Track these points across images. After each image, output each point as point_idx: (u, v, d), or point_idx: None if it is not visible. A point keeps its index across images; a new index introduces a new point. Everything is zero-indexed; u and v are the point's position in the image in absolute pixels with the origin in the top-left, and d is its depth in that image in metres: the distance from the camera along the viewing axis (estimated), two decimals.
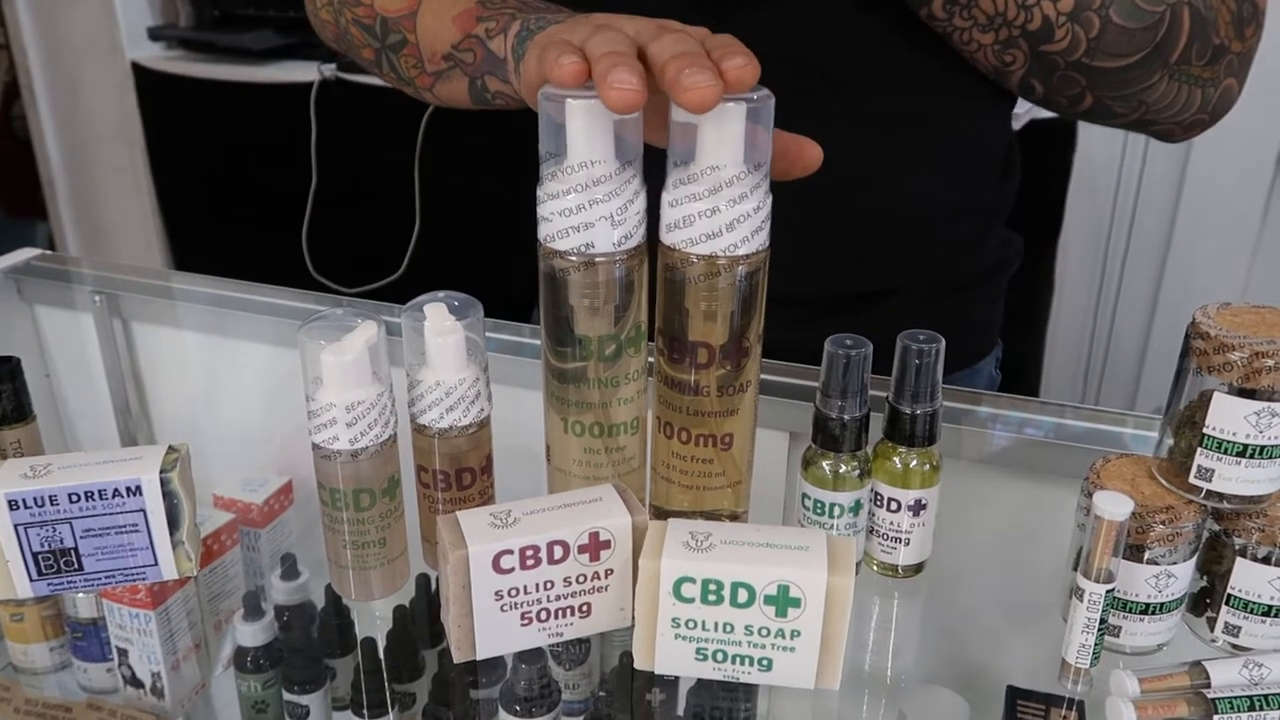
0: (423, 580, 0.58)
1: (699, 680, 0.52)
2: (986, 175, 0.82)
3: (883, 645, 0.57)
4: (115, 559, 0.53)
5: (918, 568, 0.56)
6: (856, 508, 0.54)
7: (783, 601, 0.46)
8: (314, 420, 0.51)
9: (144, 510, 0.52)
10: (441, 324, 0.51)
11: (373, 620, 0.59)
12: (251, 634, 0.58)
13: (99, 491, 0.51)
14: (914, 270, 0.80)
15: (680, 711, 0.53)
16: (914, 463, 0.53)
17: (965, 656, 0.57)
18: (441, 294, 0.53)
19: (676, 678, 0.52)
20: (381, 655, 0.59)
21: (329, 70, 1.86)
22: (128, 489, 0.52)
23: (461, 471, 0.53)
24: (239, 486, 0.73)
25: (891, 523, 0.55)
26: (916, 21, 0.71)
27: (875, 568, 0.58)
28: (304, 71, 1.89)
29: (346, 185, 1.93)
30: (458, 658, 0.50)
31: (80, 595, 0.58)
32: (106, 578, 0.54)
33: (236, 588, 0.67)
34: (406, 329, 0.52)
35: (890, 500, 0.54)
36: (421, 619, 0.59)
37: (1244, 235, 1.68)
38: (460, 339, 0.51)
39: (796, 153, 0.51)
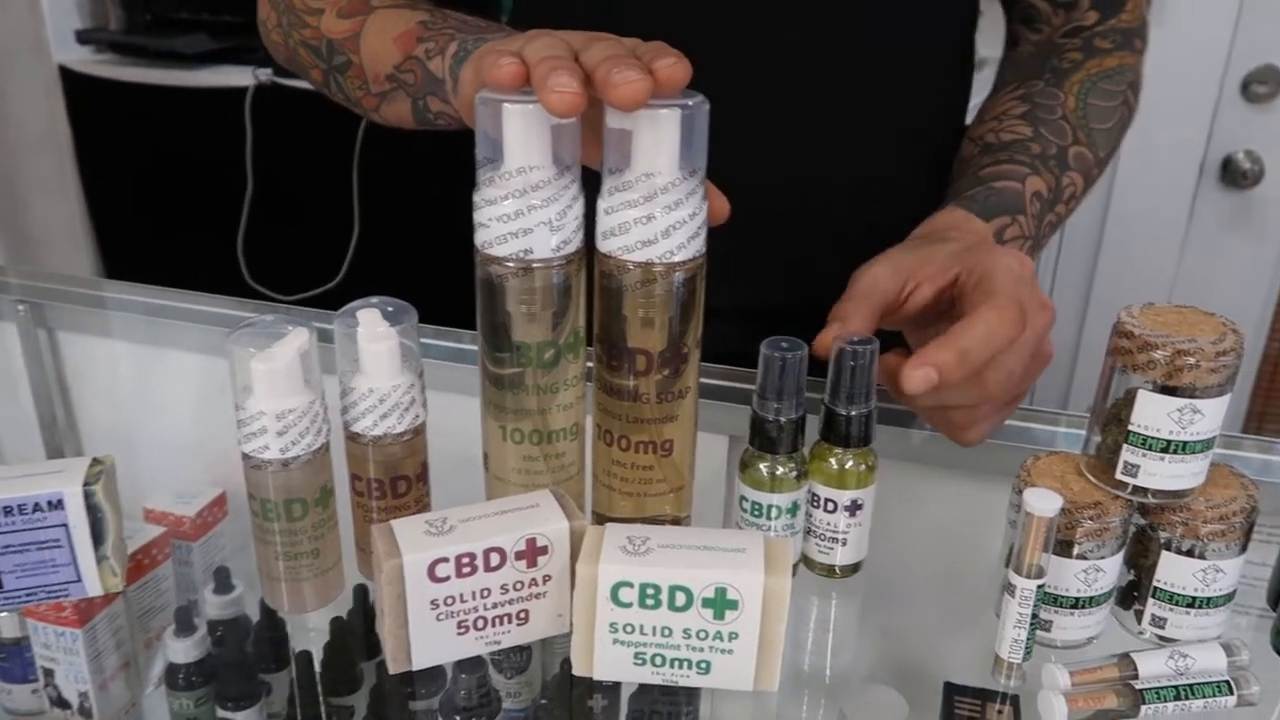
0: (360, 591, 0.57)
1: (640, 685, 0.52)
2: (937, 186, 0.83)
3: (822, 645, 0.58)
4: (37, 576, 0.52)
5: (855, 568, 0.57)
6: (794, 509, 0.54)
7: (720, 604, 0.46)
8: (243, 429, 0.50)
9: (66, 525, 0.51)
10: (375, 330, 0.50)
11: (309, 633, 0.58)
12: (183, 650, 0.57)
13: (18, 506, 0.50)
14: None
15: (623, 717, 0.53)
16: (850, 463, 0.54)
17: (904, 654, 0.58)
18: (375, 299, 0.52)
19: (618, 683, 0.52)
20: (318, 668, 0.58)
21: (264, 75, 1.83)
22: (49, 503, 0.50)
23: (396, 480, 0.53)
24: (171, 499, 0.72)
25: (828, 523, 0.55)
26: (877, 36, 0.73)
27: (814, 570, 0.58)
28: (239, 76, 1.86)
29: (283, 192, 1.90)
30: (393, 669, 0.49)
31: (1, 614, 0.56)
32: (28, 595, 0.52)
33: (168, 603, 0.66)
34: (339, 335, 0.51)
35: (827, 501, 0.55)
36: (359, 631, 0.58)
37: (1169, 241, 1.73)
38: (394, 345, 0.50)
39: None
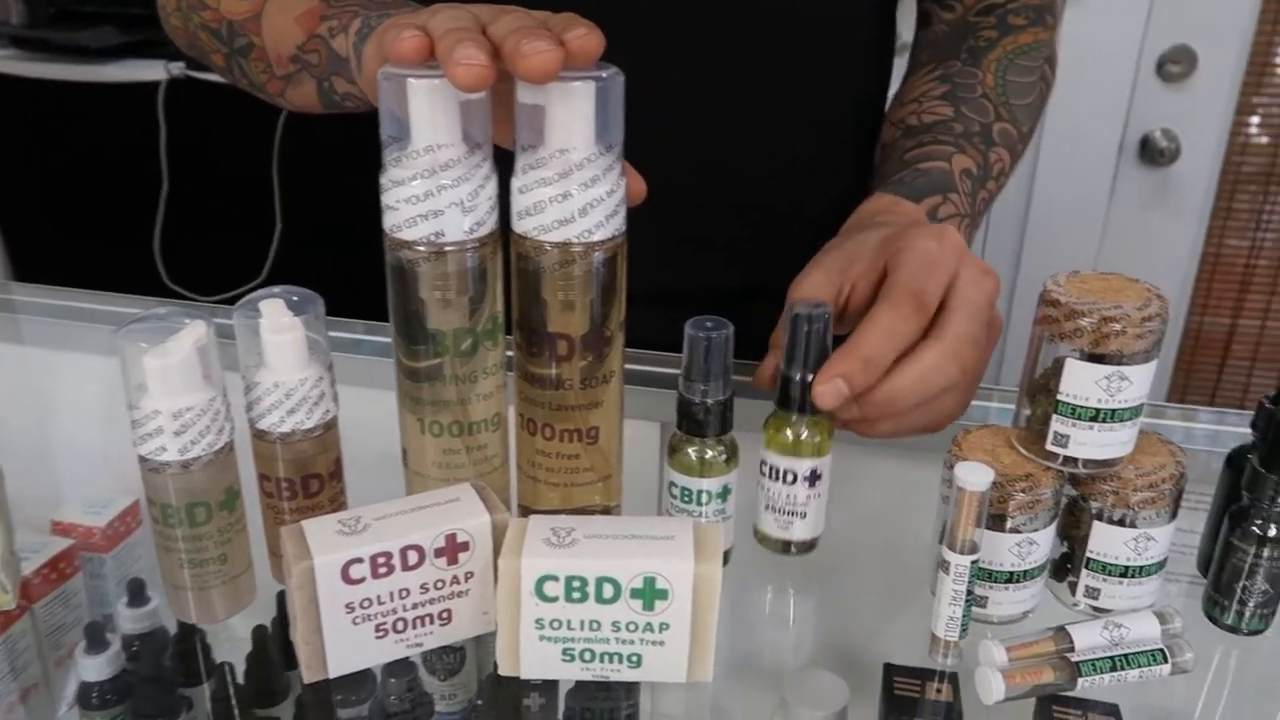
0: (282, 597, 0.55)
1: (578, 681, 0.50)
2: (865, 168, 0.82)
3: (760, 631, 0.57)
4: None
5: (811, 544, 0.55)
6: (724, 494, 0.53)
7: (649, 594, 0.44)
8: (138, 430, 0.47)
9: None
10: (278, 321, 0.47)
11: (232, 643, 0.55)
12: (95, 667, 0.54)
13: None
14: (787, 263, 0.80)
15: (560, 715, 0.51)
16: (806, 433, 0.52)
17: (843, 637, 0.57)
18: (278, 289, 0.49)
19: (555, 680, 0.50)
20: (241, 680, 0.55)
21: (177, 69, 1.78)
22: None
23: (308, 478, 0.50)
24: (80, 510, 0.68)
25: (788, 496, 0.53)
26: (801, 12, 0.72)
27: (770, 547, 0.56)
28: (150, 70, 1.79)
29: (201, 189, 1.85)
30: (308, 678, 0.47)
31: None
32: None
33: (81, 619, 0.62)
34: (240, 328, 0.48)
35: (786, 472, 0.53)
36: (283, 639, 0.55)
37: (1092, 220, 1.76)
38: (300, 336, 0.48)
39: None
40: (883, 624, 0.57)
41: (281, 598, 0.55)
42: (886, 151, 0.73)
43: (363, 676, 0.51)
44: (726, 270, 0.80)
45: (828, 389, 0.50)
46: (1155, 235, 1.75)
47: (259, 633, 0.55)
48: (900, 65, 0.82)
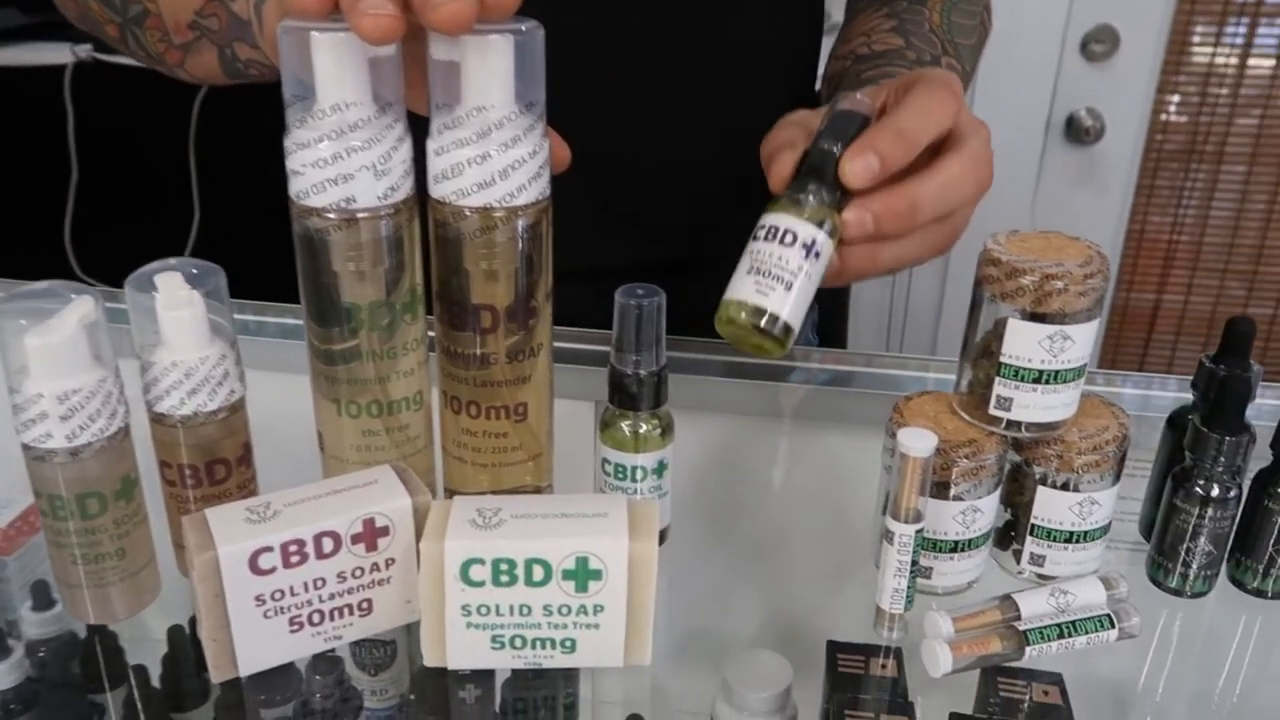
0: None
1: (514, 670, 0.48)
2: None
3: (700, 611, 0.55)
4: None
5: (787, 330, 0.47)
6: (660, 469, 0.51)
7: (582, 575, 0.42)
8: (21, 415, 0.43)
9: None
10: (175, 295, 0.44)
11: (148, 645, 0.51)
12: None
13: None
14: (721, 238, 0.79)
15: (498, 705, 0.49)
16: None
17: (786, 615, 0.55)
18: (174, 261, 0.46)
19: (491, 670, 0.48)
20: (157, 683, 0.51)
21: (84, 51, 1.70)
22: None
23: (213, 464, 0.47)
24: None
25: (779, 258, 0.47)
26: None
27: (735, 323, 0.47)
28: (55, 53, 1.72)
29: (113, 176, 1.78)
30: (216, 677, 0.44)
31: None
32: None
33: None
34: (134, 305, 0.45)
35: (786, 233, 0.47)
36: (199, 640, 0.52)
37: (1021, 198, 1.78)
38: (199, 311, 0.44)
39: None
40: (826, 601, 0.56)
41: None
42: (838, 81, 0.71)
43: (286, 674, 0.48)
44: (657, 245, 0.78)
45: (859, 162, 0.46)
46: (1082, 213, 1.78)
47: (176, 633, 0.52)
48: (829, 46, 0.81)
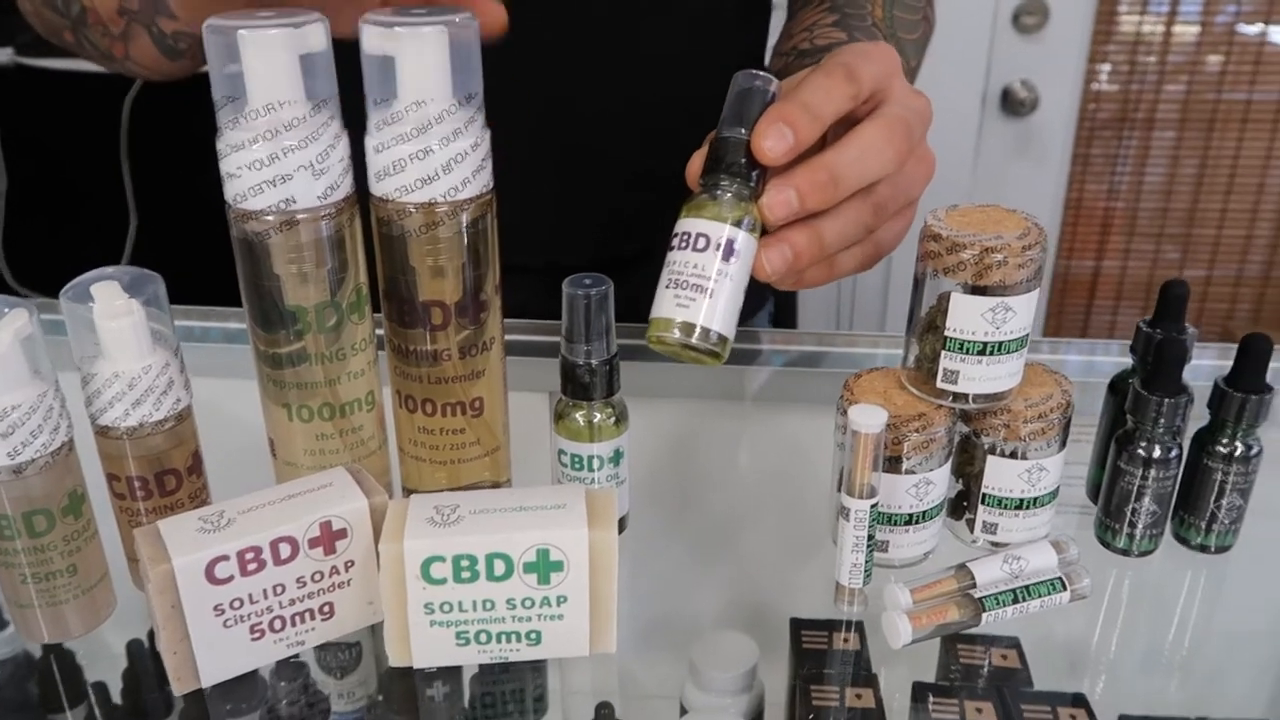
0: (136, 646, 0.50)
1: (481, 665, 0.48)
2: None
3: (663, 597, 0.55)
4: None
5: (720, 340, 0.44)
6: (617, 458, 0.51)
7: (544, 567, 0.42)
8: None
9: None
10: (113, 305, 0.43)
11: (106, 661, 0.50)
12: None
13: None
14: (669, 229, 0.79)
15: (466, 701, 0.49)
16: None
17: (749, 596, 0.56)
18: (111, 269, 0.45)
19: (459, 667, 0.47)
20: (118, 699, 0.51)
21: (5, 56, 1.65)
22: None
23: (163, 475, 0.46)
24: None
25: (695, 265, 0.45)
26: None
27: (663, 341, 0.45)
28: None
29: (44, 183, 1.73)
30: (179, 690, 0.43)
31: None
32: None
33: None
34: (71, 316, 0.44)
35: (698, 237, 0.45)
36: (159, 654, 0.51)
37: (960, 171, 1.80)
38: (139, 319, 0.43)
39: (480, 14, 0.46)
40: (787, 579, 0.56)
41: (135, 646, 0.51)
42: (782, 78, 0.71)
43: (251, 682, 0.47)
44: (614, 237, 0.78)
45: (771, 136, 0.43)
46: (1021, 183, 1.81)
47: (135, 647, 0.51)
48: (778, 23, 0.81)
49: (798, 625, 0.48)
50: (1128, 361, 0.55)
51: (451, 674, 0.47)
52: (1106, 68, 1.78)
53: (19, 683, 0.51)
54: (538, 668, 0.48)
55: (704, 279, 0.43)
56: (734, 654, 0.45)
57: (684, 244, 0.44)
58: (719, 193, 0.44)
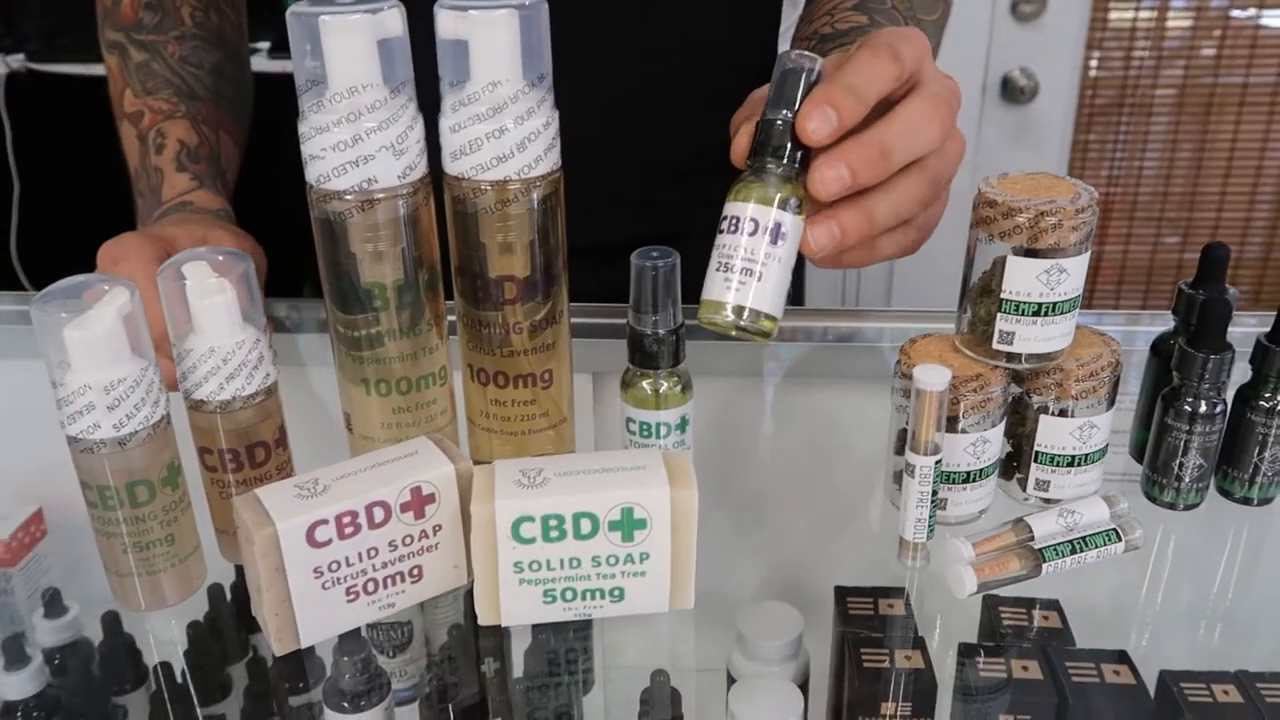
0: (216, 591, 0.52)
1: (533, 642, 0.49)
2: None
3: (710, 567, 0.56)
4: None
5: (768, 319, 0.47)
6: (683, 424, 0.53)
7: (628, 524, 0.44)
8: (66, 409, 0.43)
9: None
10: (205, 283, 0.45)
11: (162, 645, 0.52)
12: (17, 685, 0.50)
13: None
14: (699, 211, 0.80)
15: (520, 672, 0.50)
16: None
17: (792, 568, 0.57)
18: (203, 250, 0.46)
19: (506, 645, 0.49)
20: (180, 679, 0.52)
21: (16, 62, 1.66)
22: None
23: (253, 447, 0.48)
24: None
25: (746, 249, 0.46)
26: None
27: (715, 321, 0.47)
28: None
29: (57, 187, 1.74)
30: (279, 650, 0.45)
31: None
32: None
33: None
34: (166, 294, 0.45)
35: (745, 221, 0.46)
36: (221, 633, 0.52)
37: (964, 158, 1.82)
38: (230, 298, 0.45)
39: None
40: (828, 551, 0.58)
41: (216, 592, 0.52)
42: None
43: (310, 663, 0.49)
44: (646, 221, 0.79)
45: (816, 119, 0.44)
46: (1022, 169, 1.83)
47: (195, 629, 0.52)
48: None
49: (843, 593, 0.49)
50: (1155, 331, 0.57)
51: (498, 649, 0.49)
52: (1102, 55, 1.81)
53: (80, 666, 0.52)
54: (586, 642, 0.50)
55: (753, 262, 0.46)
56: (780, 623, 0.46)
57: (733, 228, 0.46)
58: (765, 175, 0.46)
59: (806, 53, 0.47)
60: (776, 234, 0.46)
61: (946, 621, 0.49)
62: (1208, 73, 1.79)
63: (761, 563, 0.58)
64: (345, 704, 0.46)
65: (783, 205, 0.46)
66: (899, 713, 0.44)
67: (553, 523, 0.44)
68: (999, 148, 1.81)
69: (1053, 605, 0.49)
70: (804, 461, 0.65)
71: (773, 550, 0.58)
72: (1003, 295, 0.49)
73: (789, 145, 0.46)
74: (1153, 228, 1.94)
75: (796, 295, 1.10)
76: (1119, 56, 1.80)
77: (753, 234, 0.46)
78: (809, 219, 0.46)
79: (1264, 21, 1.74)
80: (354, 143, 0.46)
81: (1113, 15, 1.76)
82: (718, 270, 0.46)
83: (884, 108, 0.47)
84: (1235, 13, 1.75)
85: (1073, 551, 0.49)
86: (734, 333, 0.47)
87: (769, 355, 0.75)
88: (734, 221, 0.46)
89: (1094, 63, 1.80)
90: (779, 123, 0.46)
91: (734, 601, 0.54)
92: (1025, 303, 0.48)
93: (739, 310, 0.46)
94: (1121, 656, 0.46)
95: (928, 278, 1.26)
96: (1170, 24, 1.76)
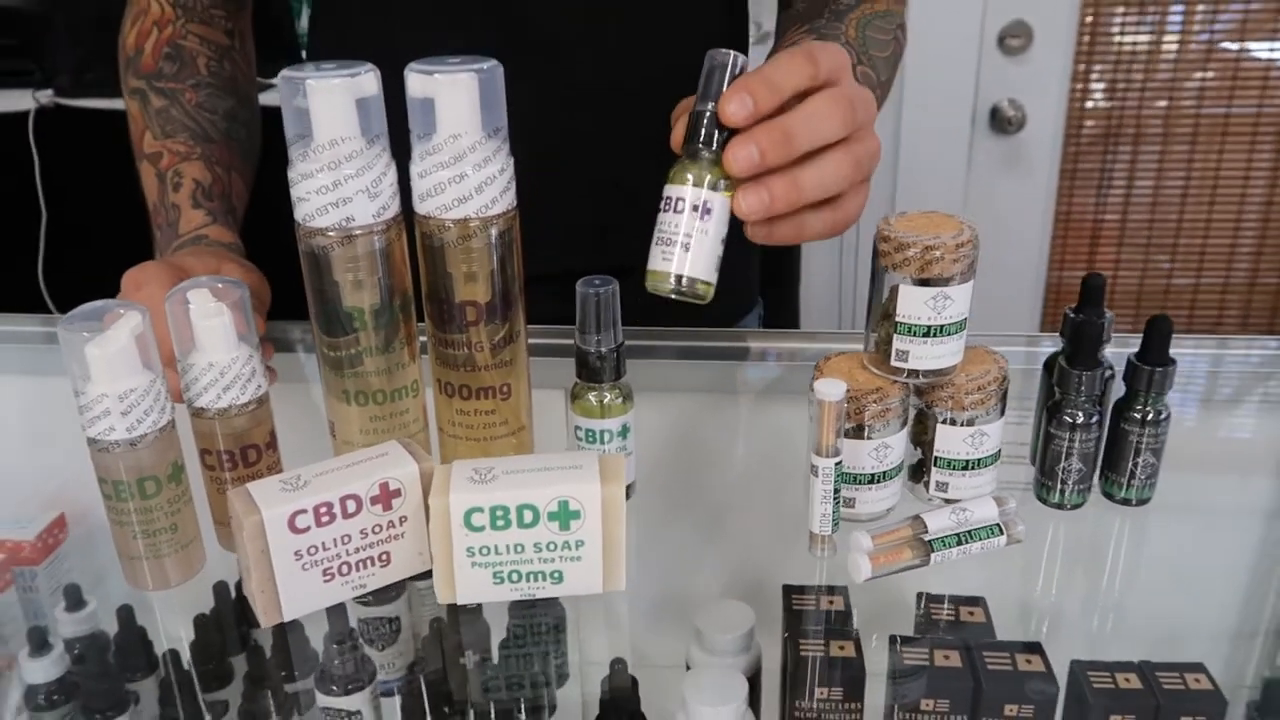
0: (221, 588, 0.58)
1: (511, 637, 0.56)
2: None
3: (669, 571, 0.63)
4: None
5: (702, 285, 0.54)
6: (624, 432, 0.60)
7: (564, 515, 0.51)
8: (87, 414, 0.51)
9: None
10: (207, 307, 0.52)
11: (172, 639, 0.58)
12: (41, 669, 0.56)
13: None
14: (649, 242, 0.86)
15: (494, 668, 0.56)
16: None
17: (744, 570, 0.63)
18: (205, 279, 0.54)
19: (488, 638, 0.56)
20: (186, 667, 0.58)
21: (45, 97, 1.75)
22: None
23: (246, 449, 0.55)
24: (6, 525, 0.70)
25: (673, 224, 0.53)
26: None
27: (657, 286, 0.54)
28: (17, 100, 1.76)
29: (83, 217, 1.82)
30: (265, 623, 0.52)
31: None
32: None
33: (16, 632, 0.64)
34: (172, 316, 0.53)
35: (676, 201, 0.54)
36: (225, 626, 0.58)
37: (953, 186, 1.88)
38: (228, 319, 0.53)
39: None
40: (775, 555, 0.63)
41: (222, 589, 0.58)
42: None
43: (303, 653, 0.55)
44: (608, 250, 0.85)
45: (735, 99, 0.51)
46: (1012, 198, 1.88)
47: (201, 621, 0.58)
48: (758, 56, 0.89)
49: (789, 590, 0.54)
50: (1050, 351, 0.63)
51: (481, 642, 0.55)
52: (1088, 86, 1.86)
53: (97, 655, 0.57)
54: (560, 641, 0.56)
55: (688, 236, 0.53)
56: (734, 619, 0.51)
57: (666, 207, 0.54)
58: (697, 159, 0.53)
59: (730, 50, 0.54)
60: (701, 209, 0.53)
61: (885, 617, 0.55)
62: (1193, 103, 1.83)
63: (720, 564, 0.64)
64: (334, 687, 0.51)
65: (712, 186, 0.53)
66: (831, 696, 0.49)
67: (499, 513, 0.51)
68: (989, 177, 1.87)
69: (977, 601, 0.55)
70: (755, 471, 0.71)
71: (728, 553, 0.64)
72: (897, 319, 0.56)
73: (716, 133, 0.53)
74: (1141, 253, 1.98)
75: (792, 319, 1.13)
76: (1105, 88, 1.85)
77: (681, 211, 0.53)
78: (741, 187, 0.53)
79: (1248, 52, 1.79)
80: (334, 187, 0.53)
81: (1098, 47, 1.82)
82: (657, 244, 0.54)
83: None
84: (1222, 44, 1.79)
85: (959, 543, 0.55)
86: (674, 296, 0.54)
87: (730, 374, 0.81)
88: (666, 201, 0.54)
89: (1081, 93, 1.85)
90: (706, 114, 0.53)
91: (696, 600, 0.59)
92: (916, 325, 0.56)
93: (678, 279, 0.53)
94: (1034, 647, 0.50)
95: None
96: (1156, 56, 1.81)
